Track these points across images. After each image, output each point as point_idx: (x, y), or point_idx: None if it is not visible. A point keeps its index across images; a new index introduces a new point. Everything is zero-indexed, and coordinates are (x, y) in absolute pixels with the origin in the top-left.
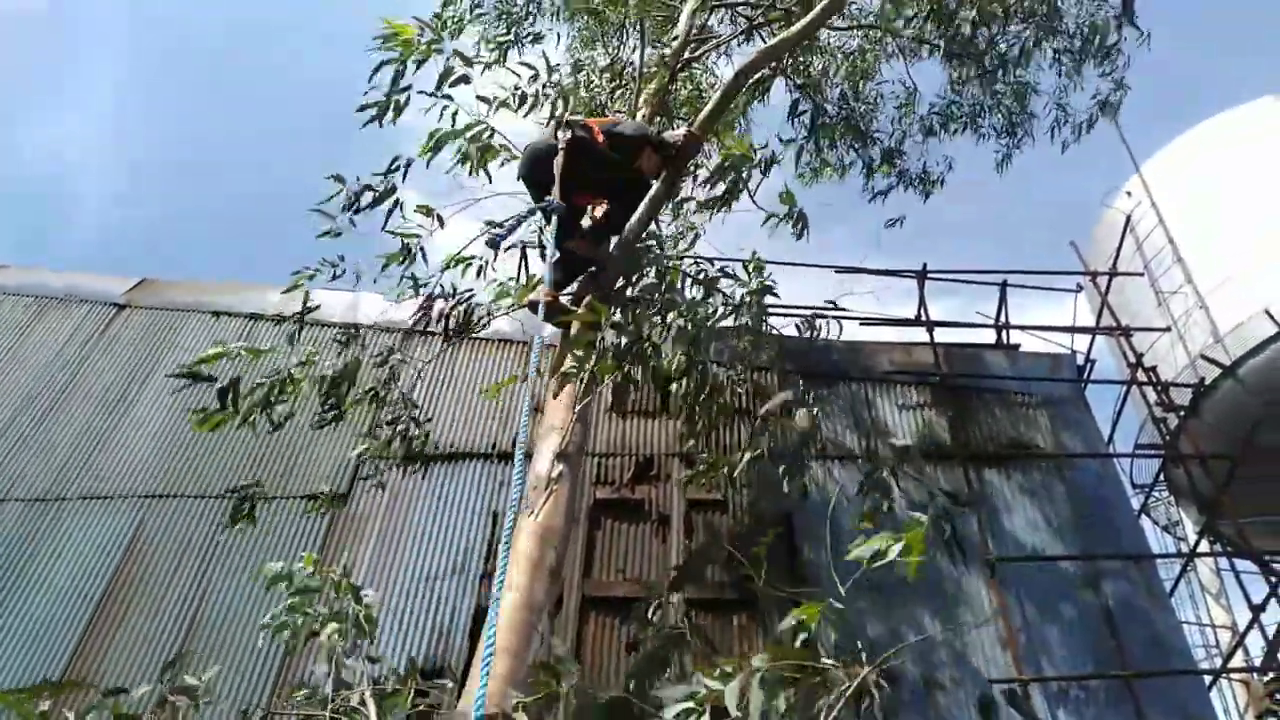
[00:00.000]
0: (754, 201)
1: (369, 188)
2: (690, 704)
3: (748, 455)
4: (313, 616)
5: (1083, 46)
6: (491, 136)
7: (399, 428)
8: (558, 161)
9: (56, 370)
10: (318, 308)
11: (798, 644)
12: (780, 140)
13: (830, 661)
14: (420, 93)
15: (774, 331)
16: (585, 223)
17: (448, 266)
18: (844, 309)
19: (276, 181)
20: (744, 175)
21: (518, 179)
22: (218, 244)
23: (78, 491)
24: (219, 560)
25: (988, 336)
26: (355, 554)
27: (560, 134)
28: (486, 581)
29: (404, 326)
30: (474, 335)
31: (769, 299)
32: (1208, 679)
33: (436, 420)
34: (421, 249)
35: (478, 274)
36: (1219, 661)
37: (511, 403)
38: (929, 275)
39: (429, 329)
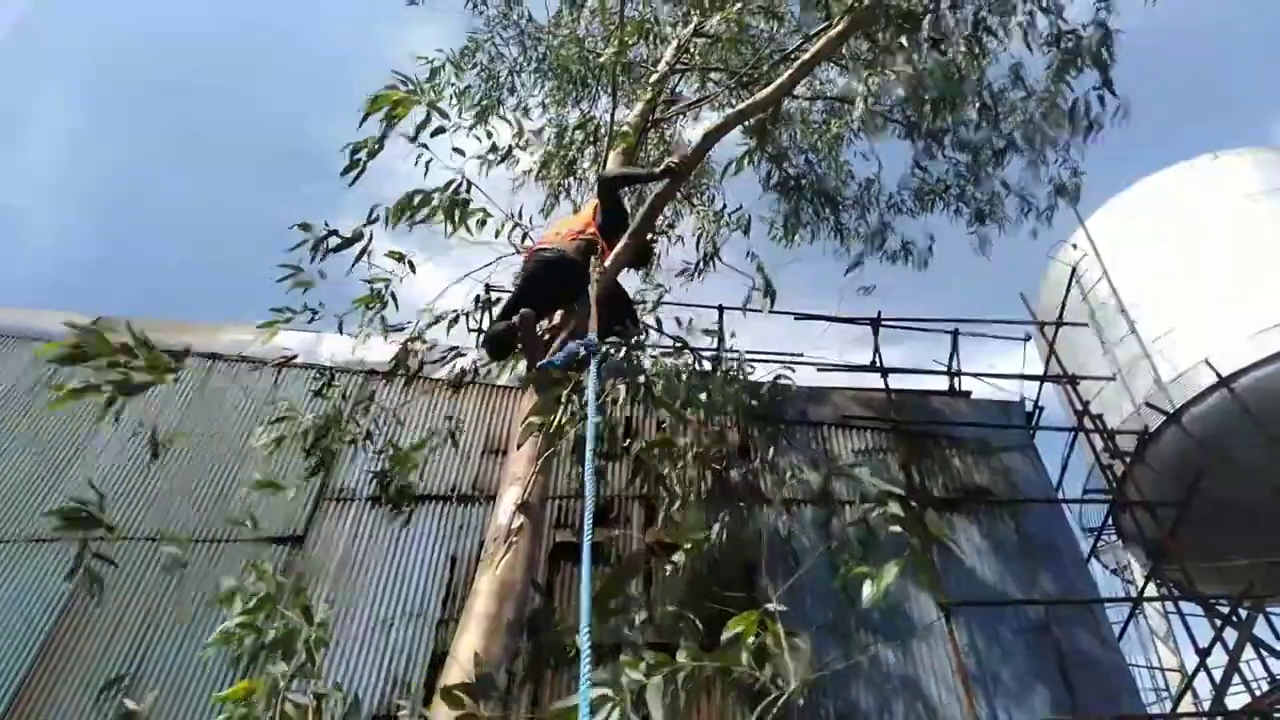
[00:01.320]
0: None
1: (334, 232)
2: (608, 691)
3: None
4: (263, 631)
5: (1071, 122)
6: (469, 191)
7: (383, 478)
8: (592, 296)
9: (6, 409)
10: (295, 357)
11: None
12: (762, 219)
13: (755, 670)
14: (400, 135)
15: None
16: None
17: (433, 324)
18: (801, 355)
19: (235, 216)
20: (717, 246)
21: (524, 267)
22: (175, 280)
23: (24, 534)
24: (168, 605)
25: (941, 383)
26: (309, 597)
27: (595, 268)
28: (444, 627)
29: (368, 367)
30: (465, 381)
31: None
32: None
33: (380, 450)
34: (392, 294)
35: (462, 324)
36: (1168, 704)
37: (471, 445)
38: (883, 323)
39: (408, 375)
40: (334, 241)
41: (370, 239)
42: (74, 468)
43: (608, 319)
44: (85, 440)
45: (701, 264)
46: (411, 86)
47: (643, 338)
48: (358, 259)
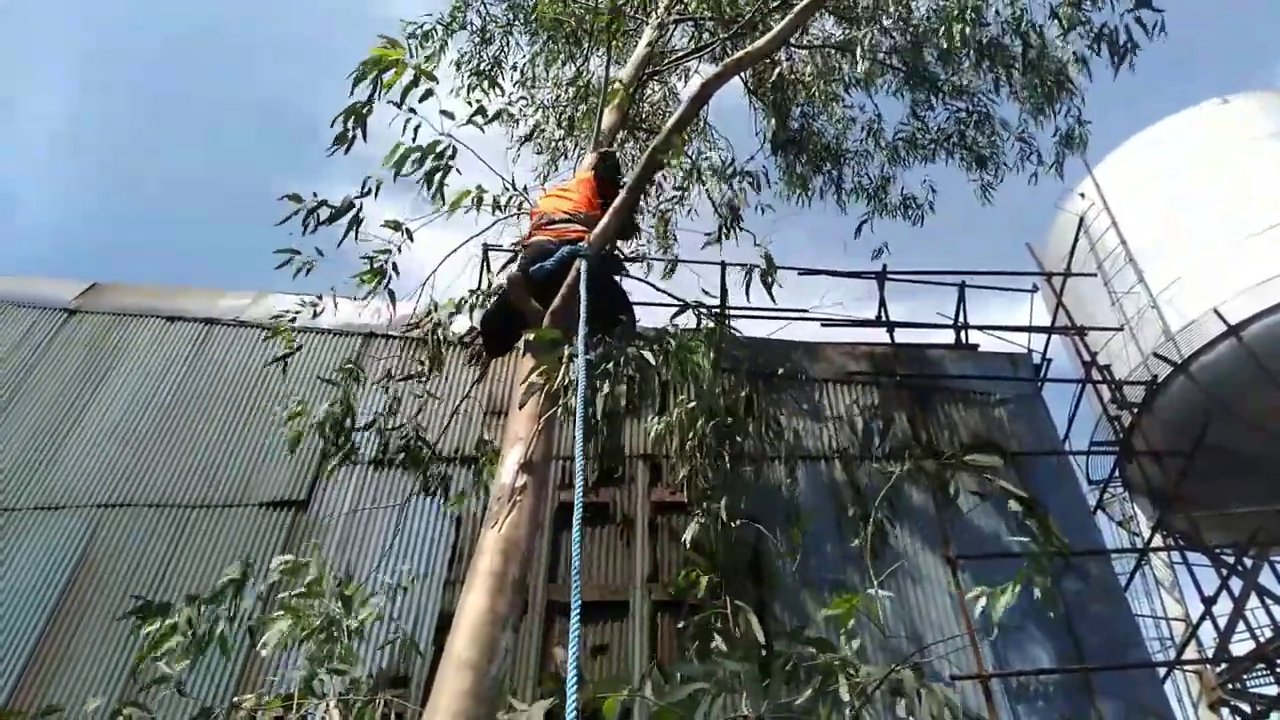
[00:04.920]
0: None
1: (324, 203)
2: (705, 685)
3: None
4: (305, 620)
5: (1109, 46)
6: (454, 156)
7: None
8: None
9: (4, 377)
10: (299, 348)
11: None
12: (772, 185)
13: (848, 656)
14: (389, 103)
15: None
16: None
17: (454, 312)
18: (806, 310)
19: (230, 184)
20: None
21: (526, 262)
22: (170, 247)
23: (29, 501)
24: (175, 569)
25: (947, 337)
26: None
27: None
28: (451, 588)
29: (363, 331)
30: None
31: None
32: (1162, 671)
33: (399, 425)
34: (393, 264)
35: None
36: (1173, 653)
37: (473, 407)
38: (888, 276)
39: (431, 362)
40: (325, 213)
41: (361, 208)
42: (77, 434)
43: (597, 304)
44: (86, 407)
45: (724, 230)
46: (402, 48)
47: (633, 328)
48: (348, 230)
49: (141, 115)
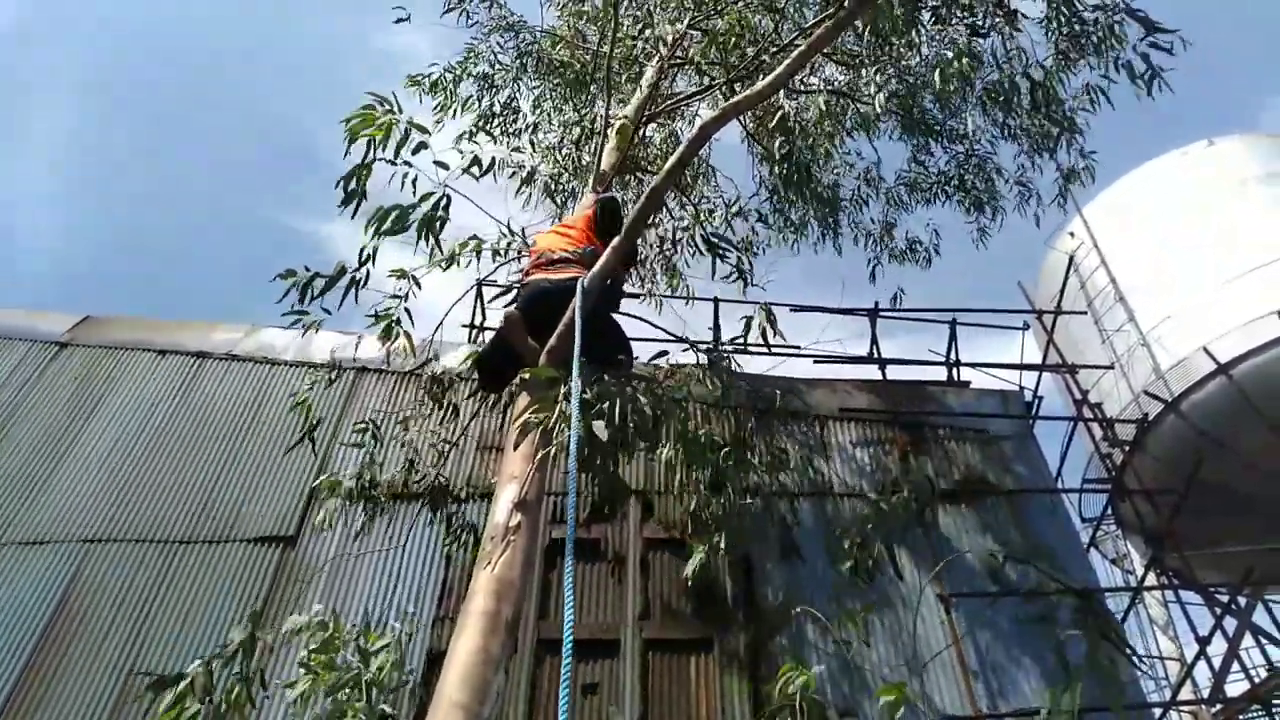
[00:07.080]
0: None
1: (317, 275)
2: None
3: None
4: (332, 679)
5: (1133, 79)
6: (448, 206)
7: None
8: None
9: None
10: (318, 423)
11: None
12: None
13: None
14: (381, 159)
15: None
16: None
17: (469, 365)
18: (799, 346)
19: (225, 216)
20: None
21: (524, 300)
22: (165, 280)
23: (13, 537)
24: (160, 606)
25: (939, 374)
26: (302, 599)
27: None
28: (439, 625)
29: (355, 366)
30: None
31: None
32: (1157, 712)
33: (388, 460)
34: (406, 310)
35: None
36: (1168, 694)
37: (465, 442)
38: (880, 313)
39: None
40: (319, 284)
41: (357, 271)
42: (65, 468)
43: (594, 340)
44: (74, 441)
45: (744, 276)
46: (388, 105)
47: (630, 368)
48: (346, 294)
49: (141, 134)
